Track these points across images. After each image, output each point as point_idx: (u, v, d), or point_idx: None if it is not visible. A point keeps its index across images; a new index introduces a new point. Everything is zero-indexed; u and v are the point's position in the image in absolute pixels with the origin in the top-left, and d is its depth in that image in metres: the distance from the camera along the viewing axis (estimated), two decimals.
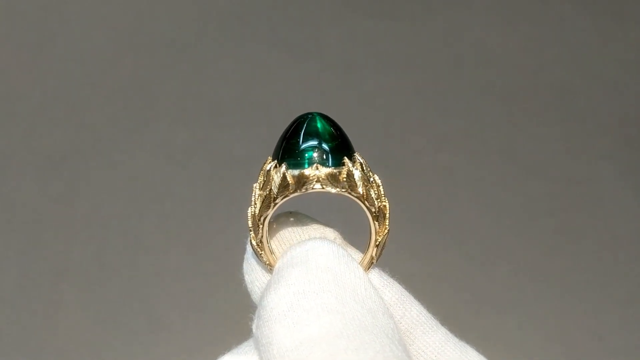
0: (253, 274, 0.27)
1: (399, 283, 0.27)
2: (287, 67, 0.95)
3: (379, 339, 0.23)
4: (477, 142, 0.90)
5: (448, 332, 0.27)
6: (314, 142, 0.25)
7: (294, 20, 1.00)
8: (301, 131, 0.25)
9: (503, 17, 1.02)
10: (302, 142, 0.25)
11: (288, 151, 0.25)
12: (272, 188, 0.25)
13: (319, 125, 0.25)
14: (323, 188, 0.25)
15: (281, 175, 0.25)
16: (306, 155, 0.25)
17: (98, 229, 0.81)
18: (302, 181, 0.25)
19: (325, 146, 0.25)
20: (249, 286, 0.27)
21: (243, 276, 0.28)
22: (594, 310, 0.79)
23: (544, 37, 1.00)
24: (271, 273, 0.26)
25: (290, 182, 0.25)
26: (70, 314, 0.76)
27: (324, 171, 0.25)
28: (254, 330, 0.24)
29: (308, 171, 0.25)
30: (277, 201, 0.25)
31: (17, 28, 0.97)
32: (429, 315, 0.27)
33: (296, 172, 0.25)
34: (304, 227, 0.27)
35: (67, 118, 0.89)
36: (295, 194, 0.25)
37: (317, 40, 0.98)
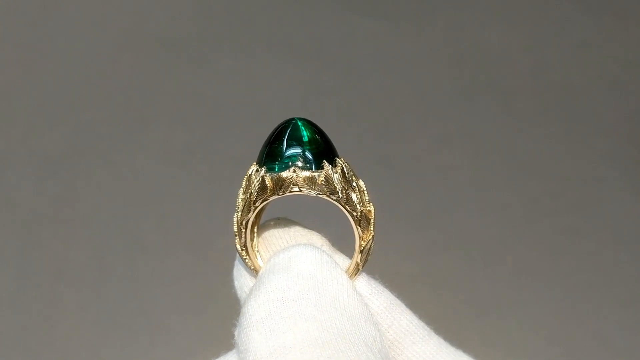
0: (242, 280, 0.27)
1: (390, 291, 0.27)
2: (287, 67, 0.95)
3: (355, 347, 0.23)
4: (477, 142, 0.90)
5: (442, 341, 0.27)
6: (296, 149, 0.25)
7: (294, 20, 0.99)
8: (284, 136, 0.26)
9: (503, 17, 1.01)
10: (285, 147, 0.25)
11: (269, 155, 0.26)
12: (252, 192, 0.25)
13: (301, 130, 0.26)
14: (301, 191, 0.25)
15: (260, 179, 0.25)
16: (286, 159, 0.25)
17: (97, 229, 0.81)
18: (279, 184, 0.25)
19: (307, 152, 0.26)
20: (238, 292, 0.27)
21: (233, 282, 0.28)
22: (595, 311, 0.79)
23: (544, 37, 1.00)
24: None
25: (268, 185, 0.25)
26: (69, 315, 0.76)
27: (302, 174, 0.25)
28: (235, 336, 0.24)
29: (286, 174, 0.25)
30: (256, 204, 0.25)
31: (16, 28, 0.97)
32: (420, 324, 0.27)
33: (275, 175, 0.25)
34: (291, 233, 0.27)
35: (66, 118, 0.89)
36: (274, 197, 0.25)
37: (317, 40, 0.98)
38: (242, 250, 0.26)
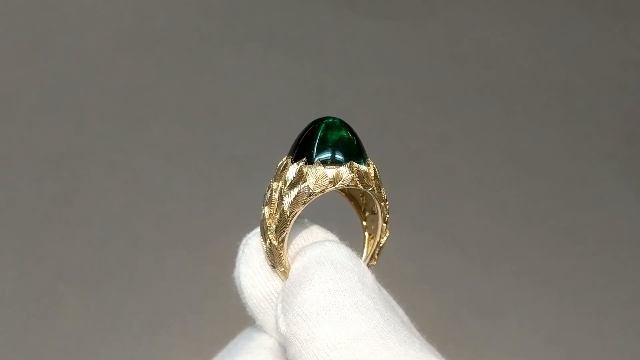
0: (255, 278, 0.27)
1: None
2: (287, 67, 0.95)
3: (413, 336, 0.24)
4: (477, 142, 0.90)
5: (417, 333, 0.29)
6: (343, 145, 0.26)
7: (294, 20, 0.99)
8: (329, 133, 0.26)
9: (503, 17, 1.02)
10: (333, 143, 0.26)
11: (319, 150, 0.26)
12: (309, 184, 0.26)
13: (340, 128, 0.27)
14: (357, 186, 0.26)
15: (320, 172, 0.26)
16: (337, 154, 0.26)
17: (97, 229, 0.81)
18: (339, 177, 0.26)
19: (352, 149, 0.26)
20: (249, 290, 0.27)
21: (238, 279, 0.28)
22: (595, 311, 0.79)
23: (545, 36, 1.00)
24: (279, 274, 0.27)
25: (329, 178, 0.26)
26: (69, 314, 0.76)
27: (361, 169, 0.26)
28: (283, 328, 0.25)
29: (344, 168, 0.26)
30: (311, 197, 0.26)
31: (16, 27, 0.97)
32: (406, 316, 0.28)
33: (333, 168, 0.26)
34: (310, 232, 0.28)
35: (66, 118, 0.89)
36: (331, 189, 0.26)
37: (317, 40, 0.98)
38: (279, 245, 0.26)
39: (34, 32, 0.97)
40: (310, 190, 0.26)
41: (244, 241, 0.28)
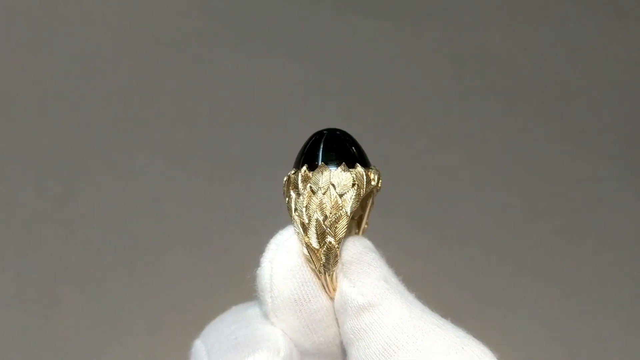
0: (292, 280, 0.28)
1: None
2: (287, 67, 0.95)
3: None
4: (477, 142, 0.90)
5: None
6: (361, 151, 0.30)
7: (294, 20, 0.99)
8: (354, 141, 0.30)
9: (503, 17, 1.01)
10: (358, 151, 0.30)
11: (354, 155, 0.29)
12: (358, 185, 0.28)
13: (353, 138, 0.30)
14: (378, 186, 0.29)
15: (365, 174, 0.29)
16: (366, 158, 0.29)
17: (97, 229, 0.81)
18: (375, 178, 0.29)
19: (366, 157, 0.30)
20: (280, 290, 0.29)
21: (267, 278, 0.29)
22: (595, 311, 0.79)
23: (545, 37, 1.00)
24: (325, 279, 0.29)
25: (372, 179, 0.29)
26: (69, 315, 0.76)
27: (379, 172, 0.30)
28: (360, 299, 0.28)
29: (374, 170, 0.29)
30: (361, 196, 0.29)
31: (16, 27, 0.97)
32: None
33: (370, 171, 0.29)
34: None
35: (66, 118, 0.89)
36: (373, 188, 0.29)
37: (317, 40, 0.98)
38: (338, 245, 0.28)
39: (34, 32, 0.97)
40: (362, 191, 0.28)
41: (275, 241, 0.29)
